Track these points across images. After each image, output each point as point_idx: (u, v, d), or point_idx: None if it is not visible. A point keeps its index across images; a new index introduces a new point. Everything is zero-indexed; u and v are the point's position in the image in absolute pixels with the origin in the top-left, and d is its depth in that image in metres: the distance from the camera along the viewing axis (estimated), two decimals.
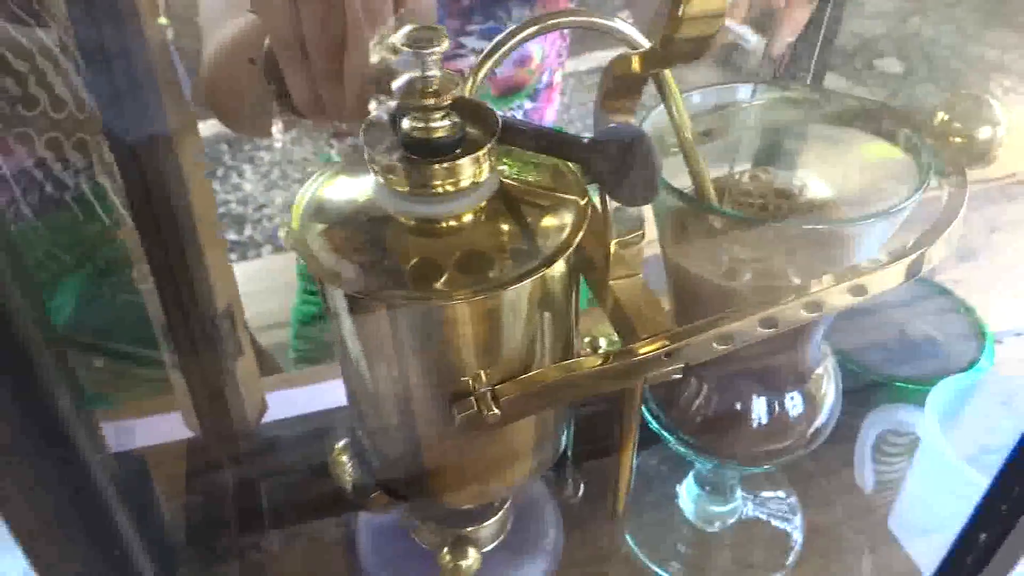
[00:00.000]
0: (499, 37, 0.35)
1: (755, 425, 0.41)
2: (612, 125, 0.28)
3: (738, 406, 0.41)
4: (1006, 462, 0.38)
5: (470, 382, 0.32)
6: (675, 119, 0.35)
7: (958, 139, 0.34)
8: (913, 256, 0.32)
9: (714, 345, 0.32)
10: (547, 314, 0.33)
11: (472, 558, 0.39)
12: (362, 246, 0.31)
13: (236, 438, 0.56)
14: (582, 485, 0.47)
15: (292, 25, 0.37)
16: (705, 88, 0.38)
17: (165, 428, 0.61)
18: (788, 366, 0.40)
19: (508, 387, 0.31)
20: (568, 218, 0.31)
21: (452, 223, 0.30)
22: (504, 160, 0.33)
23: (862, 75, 2.01)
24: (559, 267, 0.32)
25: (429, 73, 0.28)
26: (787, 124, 0.40)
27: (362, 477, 0.38)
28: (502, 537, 0.43)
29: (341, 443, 0.39)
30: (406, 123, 0.29)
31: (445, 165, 0.29)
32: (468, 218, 0.31)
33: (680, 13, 0.23)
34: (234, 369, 0.54)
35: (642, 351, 0.31)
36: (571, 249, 0.30)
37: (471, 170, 0.30)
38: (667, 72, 0.34)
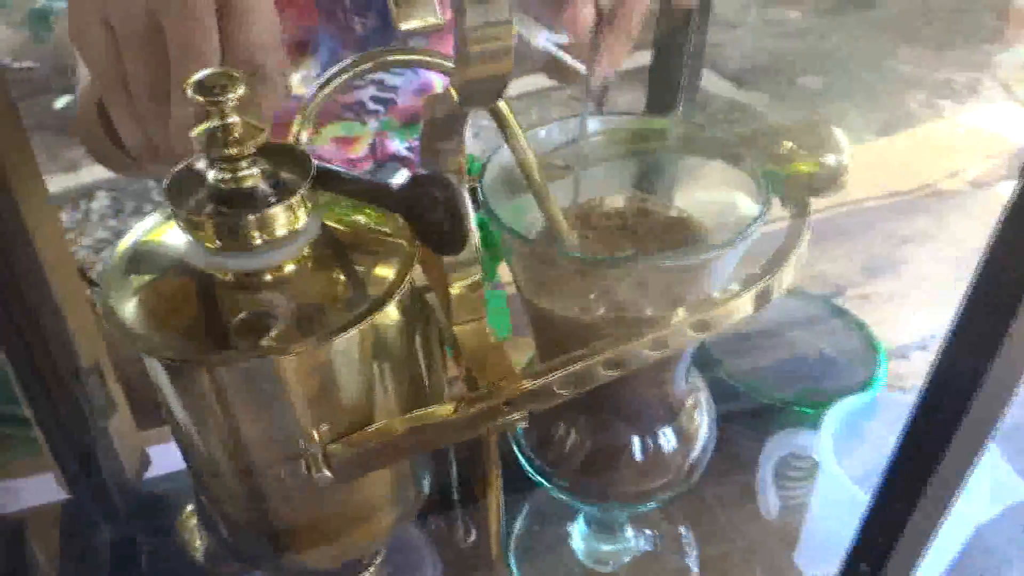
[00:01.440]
0: (332, 70, 0.33)
1: (629, 464, 0.39)
2: (424, 172, 0.27)
3: (610, 446, 0.39)
4: (874, 496, 0.37)
5: (300, 443, 0.30)
6: (519, 154, 0.34)
7: (803, 167, 0.33)
8: (760, 286, 0.31)
9: (557, 390, 0.30)
10: (385, 363, 0.31)
11: None
12: (177, 308, 0.29)
13: (112, 496, 0.53)
14: (473, 530, 0.45)
15: (114, 64, 0.34)
16: (550, 124, 0.37)
17: (43, 490, 0.58)
18: (655, 402, 0.39)
19: (339, 447, 0.30)
20: (395, 262, 0.30)
21: (271, 276, 0.29)
22: (333, 206, 0.31)
23: (784, 91, 2.05)
24: (391, 313, 0.30)
25: (228, 121, 0.27)
26: (645, 152, 0.39)
27: (212, 544, 0.36)
28: None
29: (188, 509, 0.36)
30: (212, 175, 0.28)
31: (255, 215, 0.27)
32: (290, 268, 0.29)
33: (465, 54, 0.22)
34: (106, 425, 0.52)
35: (481, 401, 0.30)
36: (399, 293, 0.29)
37: (285, 218, 0.28)
38: (503, 105, 0.33)
